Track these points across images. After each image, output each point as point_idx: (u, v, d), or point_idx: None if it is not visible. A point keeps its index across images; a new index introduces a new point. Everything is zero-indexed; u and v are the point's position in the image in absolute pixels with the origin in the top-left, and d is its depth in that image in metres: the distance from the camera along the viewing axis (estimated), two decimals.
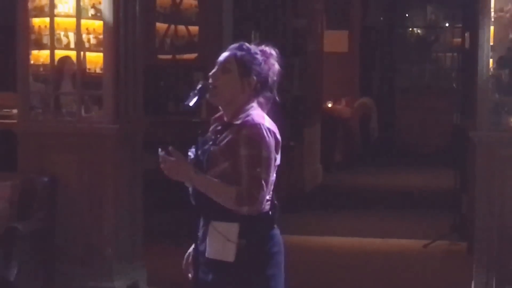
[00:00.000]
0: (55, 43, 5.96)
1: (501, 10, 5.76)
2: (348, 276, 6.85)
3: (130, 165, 6.11)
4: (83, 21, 5.94)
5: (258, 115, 3.31)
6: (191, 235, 3.42)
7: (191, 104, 3.30)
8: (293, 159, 9.65)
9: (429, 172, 11.97)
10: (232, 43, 3.45)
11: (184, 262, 3.51)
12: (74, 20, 5.93)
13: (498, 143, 5.73)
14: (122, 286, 5.97)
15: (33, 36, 5.98)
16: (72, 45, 5.99)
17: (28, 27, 5.94)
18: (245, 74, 3.32)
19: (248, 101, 3.34)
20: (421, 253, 7.48)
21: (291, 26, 10.15)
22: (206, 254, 3.30)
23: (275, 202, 3.33)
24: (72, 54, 6.00)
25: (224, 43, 7.77)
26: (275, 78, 3.38)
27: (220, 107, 3.41)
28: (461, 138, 7.50)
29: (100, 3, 5.89)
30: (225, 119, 3.38)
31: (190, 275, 3.46)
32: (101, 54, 5.93)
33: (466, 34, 7.98)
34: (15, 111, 6.35)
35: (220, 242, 3.26)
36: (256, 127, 3.24)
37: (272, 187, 3.31)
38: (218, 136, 3.33)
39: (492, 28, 5.71)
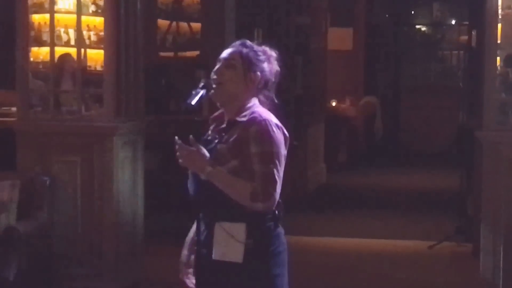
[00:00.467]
0: (55, 40, 5.90)
1: (509, 7, 5.70)
2: (352, 277, 6.81)
3: (131, 164, 6.06)
4: (83, 18, 5.90)
5: (264, 111, 3.30)
6: (193, 239, 3.38)
7: (193, 102, 3.25)
8: (296, 158, 9.59)
9: (434, 172, 11.91)
10: (235, 41, 3.43)
11: (181, 270, 3.44)
12: (74, 16, 5.88)
13: (504, 143, 5.67)
14: (122, 287, 5.92)
15: (32, 33, 5.94)
16: (72, 42, 5.95)
17: (27, 24, 5.89)
18: (249, 71, 3.30)
19: (251, 98, 3.33)
20: (426, 255, 7.43)
21: (294, 23, 10.09)
22: (213, 256, 3.26)
23: (279, 200, 3.30)
24: (72, 51, 5.95)
25: (227, 40, 7.72)
26: (273, 79, 3.37)
27: (219, 106, 3.37)
28: (467, 138, 7.44)
29: None
30: (226, 117, 3.34)
31: (189, 282, 3.39)
32: (101, 51, 5.88)
33: (472, 32, 7.92)
34: (14, 109, 6.30)
35: (227, 242, 3.23)
36: (265, 123, 3.23)
37: None
38: (223, 134, 3.29)
39: (499, 26, 5.65)
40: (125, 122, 5.94)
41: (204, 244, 3.31)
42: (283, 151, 3.27)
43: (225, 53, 3.34)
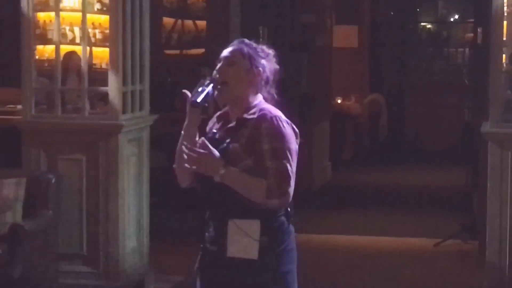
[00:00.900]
0: (60, 38, 5.89)
1: None
2: (357, 275, 6.79)
3: (137, 162, 6.05)
4: (88, 16, 5.88)
5: (272, 108, 3.30)
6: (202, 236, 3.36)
7: (198, 100, 3.22)
8: (301, 156, 9.56)
9: (439, 169, 11.89)
10: (240, 38, 3.43)
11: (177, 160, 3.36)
12: (79, 14, 5.86)
13: (510, 140, 5.65)
14: (128, 285, 5.92)
15: (38, 31, 5.93)
16: (78, 40, 5.94)
17: (33, 22, 5.87)
18: (251, 67, 3.30)
19: (255, 95, 3.32)
20: (432, 252, 7.41)
21: (300, 21, 10.08)
22: (228, 253, 3.24)
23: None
24: (78, 49, 5.94)
25: (232, 38, 7.66)
26: (272, 77, 3.36)
27: (223, 106, 3.35)
28: (472, 135, 7.43)
29: None
30: (233, 115, 3.31)
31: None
32: (107, 49, 5.87)
33: (478, 30, 7.90)
34: (19, 107, 6.29)
35: (243, 240, 3.22)
36: (276, 119, 3.23)
37: None
38: (234, 133, 3.26)
39: (505, 23, 5.63)
40: (130, 120, 5.93)
41: (213, 242, 3.29)
42: (295, 146, 3.29)
43: (226, 52, 3.33)
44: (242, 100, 3.30)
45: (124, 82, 5.87)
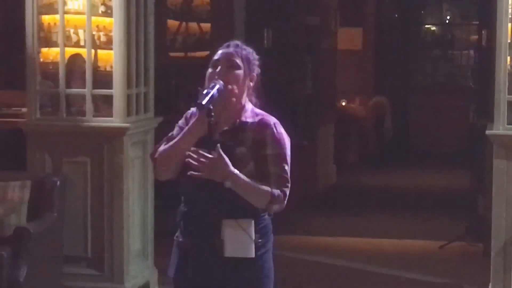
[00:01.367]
0: (65, 41, 5.89)
1: None
2: (362, 277, 6.79)
3: (141, 164, 6.05)
4: (93, 18, 5.87)
5: (264, 112, 3.33)
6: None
7: (203, 102, 3.18)
8: (306, 159, 9.57)
9: (444, 172, 11.87)
10: (244, 41, 3.44)
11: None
12: (84, 17, 5.86)
13: None
14: (133, 287, 5.92)
15: (42, 34, 5.93)
16: (82, 43, 5.93)
17: (37, 25, 5.88)
18: (249, 72, 3.33)
19: (248, 99, 3.34)
20: (437, 255, 7.41)
21: (304, 23, 10.07)
22: (225, 253, 3.25)
23: None
24: (82, 51, 5.94)
25: (236, 40, 7.69)
26: (259, 82, 3.38)
27: (222, 108, 3.29)
28: (477, 138, 7.41)
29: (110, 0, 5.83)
30: (229, 119, 3.29)
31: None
32: (111, 52, 5.86)
33: (482, 32, 7.89)
34: (24, 109, 6.30)
35: (239, 239, 3.24)
36: (278, 126, 3.28)
37: None
38: (235, 136, 3.26)
39: (509, 25, 5.62)
40: (135, 123, 5.93)
41: (206, 243, 3.29)
42: (289, 151, 3.33)
43: (223, 54, 3.33)
44: (238, 105, 3.30)
45: (129, 85, 5.87)
